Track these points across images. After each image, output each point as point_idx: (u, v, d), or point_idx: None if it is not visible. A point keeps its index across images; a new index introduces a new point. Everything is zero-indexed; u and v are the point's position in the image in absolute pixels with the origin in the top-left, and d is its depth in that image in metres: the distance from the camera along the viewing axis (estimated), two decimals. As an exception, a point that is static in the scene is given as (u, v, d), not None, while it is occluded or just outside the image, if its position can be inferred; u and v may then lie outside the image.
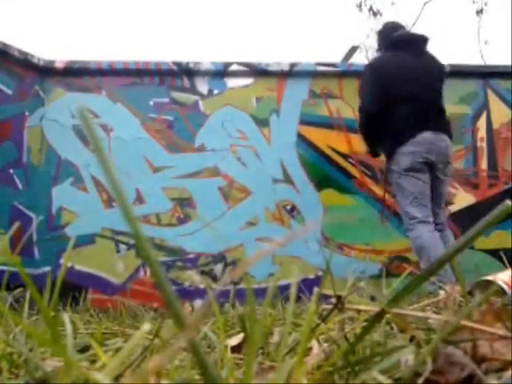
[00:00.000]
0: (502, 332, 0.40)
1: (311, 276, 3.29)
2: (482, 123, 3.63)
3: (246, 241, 3.34)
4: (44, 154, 3.40)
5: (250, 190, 3.44)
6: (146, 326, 0.34)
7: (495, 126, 3.62)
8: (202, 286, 3.30)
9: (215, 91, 3.58)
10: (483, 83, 3.65)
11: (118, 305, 2.01)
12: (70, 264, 3.20)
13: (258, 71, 3.56)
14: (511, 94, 3.63)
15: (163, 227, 3.37)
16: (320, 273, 3.28)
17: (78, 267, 3.25)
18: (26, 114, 3.37)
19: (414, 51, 2.77)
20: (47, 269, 3.18)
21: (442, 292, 0.85)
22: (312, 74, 3.58)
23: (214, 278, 3.31)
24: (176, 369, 0.47)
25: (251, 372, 0.31)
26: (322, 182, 3.47)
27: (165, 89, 3.56)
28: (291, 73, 3.56)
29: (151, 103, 3.53)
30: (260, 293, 2.91)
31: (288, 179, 3.46)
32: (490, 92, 3.65)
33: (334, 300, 0.54)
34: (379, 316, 0.39)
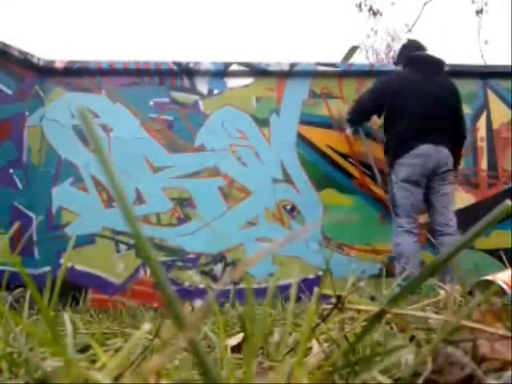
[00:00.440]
0: (501, 332, 0.40)
1: (311, 276, 3.29)
2: (481, 123, 3.63)
3: (246, 241, 3.34)
4: (44, 154, 3.40)
5: (249, 190, 3.44)
6: (146, 326, 0.34)
7: (495, 126, 3.62)
8: (201, 286, 3.30)
9: (215, 91, 3.58)
10: (483, 83, 3.65)
11: (118, 305, 2.02)
12: (70, 264, 3.20)
13: (258, 71, 3.56)
14: (511, 94, 3.63)
15: (163, 227, 3.37)
16: (320, 273, 3.28)
17: (78, 267, 3.25)
18: (26, 113, 3.37)
19: (428, 72, 2.97)
20: (47, 269, 3.18)
21: (442, 292, 0.85)
22: (312, 74, 3.58)
23: (214, 278, 3.31)
24: (176, 369, 0.47)
25: (251, 372, 0.31)
26: (321, 182, 3.47)
27: (165, 89, 3.56)
28: (291, 73, 3.56)
29: (151, 103, 3.53)
30: (260, 293, 2.91)
31: (288, 179, 3.46)
32: (489, 92, 3.65)
33: (333, 300, 0.54)
34: (379, 316, 0.39)
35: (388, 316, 0.45)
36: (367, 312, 0.52)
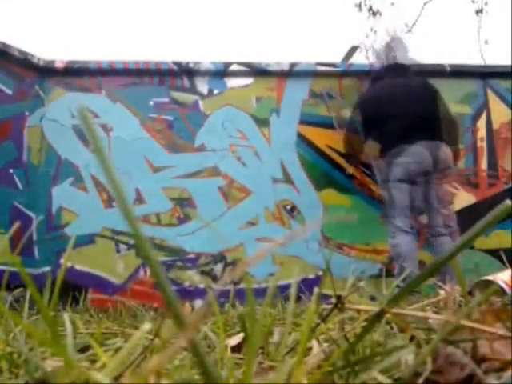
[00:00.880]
0: (502, 332, 0.40)
1: (311, 276, 3.29)
2: (481, 123, 3.63)
3: (246, 241, 3.34)
4: (44, 154, 3.40)
5: (249, 190, 3.44)
6: (146, 326, 0.34)
7: (495, 126, 3.62)
8: (201, 286, 3.30)
9: (215, 91, 3.58)
10: (483, 83, 3.65)
11: (118, 305, 2.02)
12: (69, 264, 3.20)
13: (257, 71, 3.56)
14: (511, 94, 3.63)
15: (163, 227, 3.37)
16: (320, 273, 3.28)
17: (78, 267, 3.25)
18: (26, 113, 3.37)
19: (395, 76, 3.09)
20: (47, 269, 3.18)
21: (442, 292, 0.85)
22: (312, 74, 3.58)
23: (214, 278, 3.31)
24: (176, 369, 0.47)
25: (251, 372, 0.31)
26: (321, 182, 3.47)
27: (165, 89, 3.56)
28: (291, 73, 3.56)
29: (151, 103, 3.53)
30: (260, 293, 2.91)
31: (288, 179, 3.46)
32: (489, 92, 3.65)
33: (333, 300, 0.54)
34: (379, 316, 0.39)
35: (388, 316, 0.45)
36: (367, 312, 0.52)
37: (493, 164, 3.58)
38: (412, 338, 0.50)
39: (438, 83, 3.17)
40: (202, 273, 3.32)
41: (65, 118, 3.43)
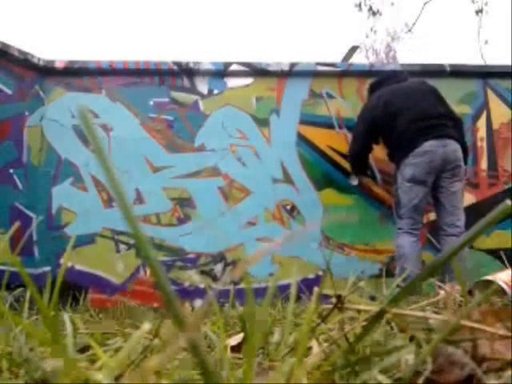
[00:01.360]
0: (502, 332, 0.40)
1: (311, 276, 3.29)
2: (481, 123, 3.63)
3: (246, 241, 3.34)
4: (44, 154, 3.40)
5: (249, 190, 3.44)
6: (146, 326, 0.34)
7: (495, 126, 3.62)
8: (202, 286, 3.30)
9: (215, 91, 3.58)
10: (483, 83, 3.65)
11: (118, 305, 2.02)
12: (69, 264, 3.20)
13: (257, 71, 3.56)
14: (511, 94, 3.63)
15: (163, 227, 3.37)
16: (320, 272, 3.28)
17: (77, 267, 3.25)
18: (26, 113, 3.37)
19: (397, 80, 3.10)
20: (47, 269, 3.17)
21: (442, 292, 0.85)
22: (312, 74, 3.58)
23: (214, 278, 3.31)
24: (176, 368, 0.47)
25: (251, 372, 0.31)
26: (321, 182, 3.47)
27: (165, 89, 3.56)
28: (291, 73, 3.56)
29: (151, 103, 3.53)
30: (260, 293, 2.91)
31: (288, 179, 3.46)
32: (489, 92, 3.65)
33: (333, 300, 0.54)
34: (379, 316, 0.39)
35: (388, 316, 0.45)
36: (367, 312, 0.52)
37: (493, 164, 3.58)
38: (412, 338, 0.50)
39: (437, 83, 3.17)
40: (202, 273, 3.32)
41: (65, 117, 3.43)
